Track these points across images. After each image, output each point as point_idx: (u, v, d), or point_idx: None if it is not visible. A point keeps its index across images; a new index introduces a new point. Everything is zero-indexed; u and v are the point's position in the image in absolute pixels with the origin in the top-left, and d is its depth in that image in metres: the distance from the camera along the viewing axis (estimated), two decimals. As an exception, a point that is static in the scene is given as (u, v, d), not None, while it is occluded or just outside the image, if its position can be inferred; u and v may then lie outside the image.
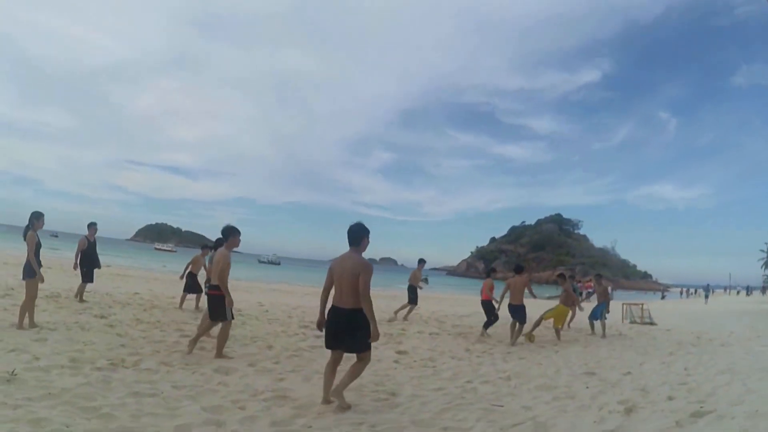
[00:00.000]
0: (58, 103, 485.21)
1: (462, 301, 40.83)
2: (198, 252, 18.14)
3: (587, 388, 9.43)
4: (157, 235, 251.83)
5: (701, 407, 7.45)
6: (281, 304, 22.87)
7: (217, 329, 10.74)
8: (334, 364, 7.76)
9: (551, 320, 17.64)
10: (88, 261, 16.60)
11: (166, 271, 45.48)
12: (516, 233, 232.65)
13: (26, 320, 10.92)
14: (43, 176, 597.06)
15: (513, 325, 15.84)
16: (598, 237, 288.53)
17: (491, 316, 17.34)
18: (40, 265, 11.58)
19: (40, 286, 11.59)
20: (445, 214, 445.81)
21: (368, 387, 8.79)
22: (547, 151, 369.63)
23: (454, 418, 7.25)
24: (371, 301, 7.35)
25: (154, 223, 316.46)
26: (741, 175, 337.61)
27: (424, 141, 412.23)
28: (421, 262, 21.24)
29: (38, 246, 11.44)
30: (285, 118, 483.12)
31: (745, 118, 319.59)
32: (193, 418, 6.27)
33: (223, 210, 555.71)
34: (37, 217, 11.60)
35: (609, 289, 21.13)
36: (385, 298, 28.33)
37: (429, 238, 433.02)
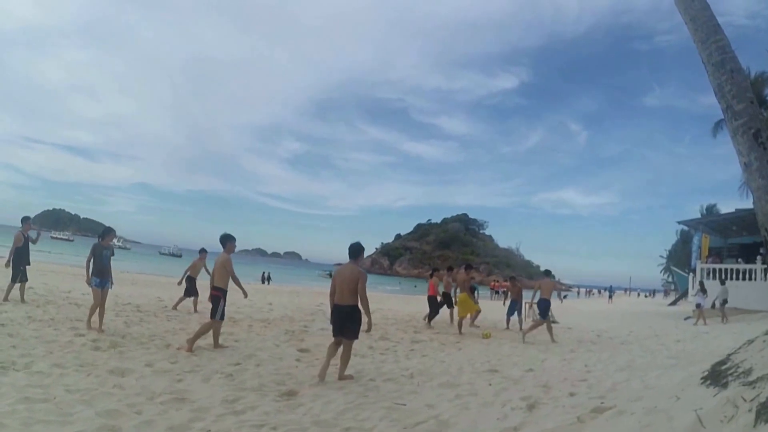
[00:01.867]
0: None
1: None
2: (195, 256, 18.06)
3: (490, 385, 9.54)
4: (54, 222, 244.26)
5: (602, 403, 7.58)
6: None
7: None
8: (335, 347, 10.03)
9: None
10: (21, 258, 15.97)
11: (63, 262, 44.23)
12: (422, 231, 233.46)
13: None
14: None
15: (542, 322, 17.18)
16: (503, 238, 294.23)
17: (434, 309, 20.17)
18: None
19: None
20: (351, 209, 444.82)
21: (269, 387, 8.69)
22: (457, 151, 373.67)
23: (357, 418, 7.24)
24: (368, 300, 9.97)
25: (51, 209, 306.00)
26: (644, 186, 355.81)
27: (335, 133, 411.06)
28: (203, 251, 21.54)
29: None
30: (195, 100, 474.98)
31: (652, 135, 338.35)
32: (88, 424, 6.05)
33: (124, 196, 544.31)
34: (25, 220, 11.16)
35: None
36: (289, 294, 28.11)
37: (334, 233, 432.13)
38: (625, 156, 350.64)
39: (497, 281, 76.53)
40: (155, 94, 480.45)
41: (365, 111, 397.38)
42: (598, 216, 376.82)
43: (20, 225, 16.28)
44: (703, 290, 29.67)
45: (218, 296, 12.00)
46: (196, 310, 18.50)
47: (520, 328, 19.45)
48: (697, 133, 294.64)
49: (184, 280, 19.51)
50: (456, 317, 18.90)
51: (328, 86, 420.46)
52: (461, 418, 7.25)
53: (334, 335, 10.11)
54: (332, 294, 10.30)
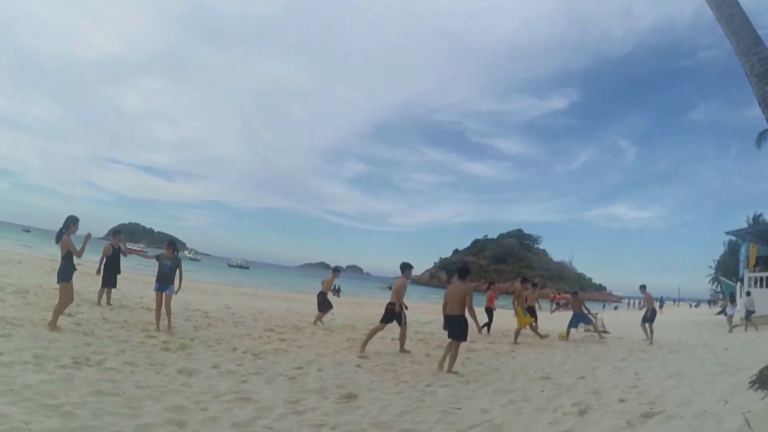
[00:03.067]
0: (43, 94, 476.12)
1: (424, 309, 40.76)
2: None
3: (542, 391, 9.43)
4: (130, 234, 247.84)
5: (651, 408, 7.46)
6: (248, 307, 22.70)
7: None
8: (449, 347, 11.73)
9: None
10: (111, 266, 16.55)
11: (137, 271, 45.00)
12: (478, 246, 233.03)
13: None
14: (19, 168, 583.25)
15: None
16: (556, 252, 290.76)
17: (490, 319, 21.14)
18: (74, 269, 11.54)
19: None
20: (410, 226, 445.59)
21: (330, 390, 8.71)
22: (511, 170, 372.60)
23: (413, 420, 7.22)
24: (474, 310, 12.04)
25: (127, 222, 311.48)
26: (692, 200, 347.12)
27: (395, 155, 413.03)
28: (336, 270, 22.35)
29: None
30: (262, 124, 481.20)
31: (698, 150, 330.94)
32: (155, 418, 6.14)
33: (196, 213, 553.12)
34: (73, 222, 11.58)
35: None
36: (351, 305, 28.22)
37: (394, 249, 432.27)
38: (672, 171, 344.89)
39: (557, 293, 76.01)
40: (227, 120, 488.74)
41: (424, 134, 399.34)
42: (647, 230, 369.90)
43: (109, 238, 16.81)
44: (732, 301, 29.44)
45: (393, 309, 13.98)
46: (317, 322, 19.11)
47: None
48: (742, 146, 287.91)
49: (317, 296, 20.45)
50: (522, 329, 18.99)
51: (390, 112, 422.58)
52: (514, 423, 7.18)
53: (449, 337, 11.83)
54: (444, 306, 12.07)
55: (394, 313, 13.68)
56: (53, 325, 10.86)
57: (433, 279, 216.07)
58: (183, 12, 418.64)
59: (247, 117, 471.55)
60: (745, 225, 57.23)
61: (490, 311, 21.88)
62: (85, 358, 8.76)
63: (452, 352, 11.56)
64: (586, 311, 21.14)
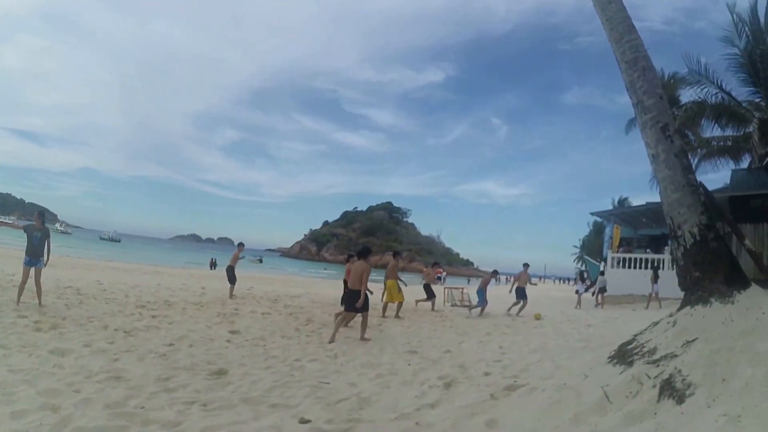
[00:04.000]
0: None
1: (294, 282, 40.80)
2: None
3: (409, 365, 9.64)
4: (1, 207, 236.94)
5: (515, 381, 7.74)
6: (119, 283, 21.99)
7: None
8: (345, 318, 13.32)
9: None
10: None
11: (7, 246, 43.00)
12: (348, 218, 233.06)
13: None
14: None
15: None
16: (425, 226, 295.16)
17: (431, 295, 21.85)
18: None
19: None
20: (283, 196, 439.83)
21: (200, 366, 8.68)
22: (384, 142, 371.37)
23: (283, 395, 7.28)
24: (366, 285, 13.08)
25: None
26: (561, 180, 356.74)
27: (270, 122, 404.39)
28: (240, 245, 23.40)
29: None
30: (141, 88, 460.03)
31: (570, 131, 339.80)
32: (29, 403, 5.95)
33: (69, 182, 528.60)
34: None
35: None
36: (221, 278, 27.92)
37: (266, 219, 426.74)
38: (543, 151, 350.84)
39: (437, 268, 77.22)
40: (109, 83, 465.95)
41: (300, 101, 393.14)
42: (516, 207, 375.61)
43: None
44: (582, 279, 31.07)
45: (356, 296, 13.12)
46: (231, 296, 19.90)
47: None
48: (612, 130, 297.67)
49: (225, 270, 21.35)
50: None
51: (267, 76, 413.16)
52: (382, 396, 7.33)
53: (345, 310, 13.39)
54: (345, 280, 14.58)
55: (357, 300, 13.06)
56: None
57: (303, 251, 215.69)
58: None
59: (128, 80, 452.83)
60: (611, 207, 59.46)
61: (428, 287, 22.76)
62: (-46, 344, 8.37)
63: (363, 321, 13.02)
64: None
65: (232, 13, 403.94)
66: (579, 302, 29.62)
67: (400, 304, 18.69)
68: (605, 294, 28.53)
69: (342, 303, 14.37)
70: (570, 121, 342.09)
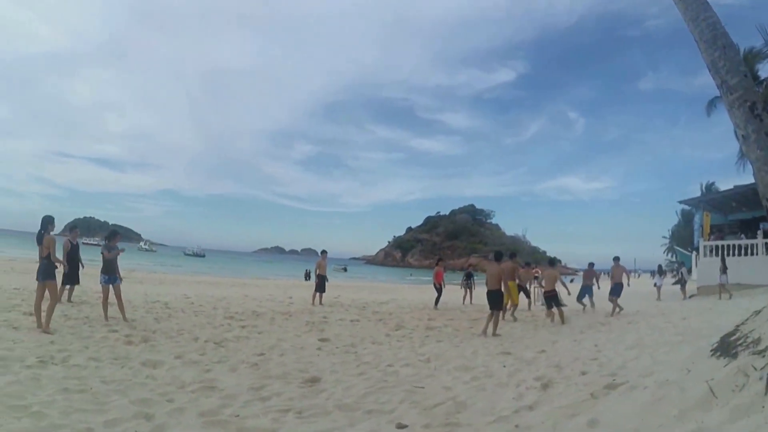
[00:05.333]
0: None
1: (381, 289, 40.92)
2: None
3: (504, 367, 9.47)
4: (85, 229, 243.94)
5: (613, 379, 7.51)
6: (207, 296, 22.51)
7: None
8: (489, 316, 14.28)
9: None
10: (71, 263, 16.04)
11: (93, 265, 44.39)
12: (431, 223, 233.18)
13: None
14: None
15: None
16: (509, 226, 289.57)
17: (439, 294, 22.49)
18: (56, 267, 11.44)
19: None
20: (363, 206, 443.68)
21: (293, 374, 8.67)
22: (461, 145, 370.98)
23: (378, 401, 7.20)
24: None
25: (81, 217, 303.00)
26: (644, 170, 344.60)
27: (345, 134, 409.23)
28: (324, 252, 23.38)
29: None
30: (212, 110, 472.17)
31: (648, 118, 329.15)
32: (123, 412, 6.05)
33: (150, 203, 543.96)
34: (50, 221, 11.49)
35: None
36: (308, 287, 28.17)
37: (348, 229, 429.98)
38: (623, 141, 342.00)
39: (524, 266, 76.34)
40: (175, 107, 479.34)
41: (372, 111, 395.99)
42: (600, 201, 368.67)
43: (66, 234, 16.54)
44: (660, 272, 30.25)
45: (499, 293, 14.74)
46: (314, 302, 20.91)
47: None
48: (692, 114, 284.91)
49: (314, 277, 22.06)
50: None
51: (336, 89, 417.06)
52: (478, 399, 7.19)
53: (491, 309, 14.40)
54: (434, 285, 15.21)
55: (500, 299, 14.88)
56: (46, 326, 10.80)
57: (387, 258, 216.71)
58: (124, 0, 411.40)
59: (195, 102, 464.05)
60: (699, 194, 57.37)
61: (438, 287, 23.02)
62: (50, 356, 8.61)
63: (494, 319, 14.17)
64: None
65: (297, 30, 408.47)
66: (659, 295, 29.24)
67: (515, 306, 18.71)
68: (686, 285, 27.99)
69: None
70: (647, 108, 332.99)
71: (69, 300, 15.86)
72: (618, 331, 14.37)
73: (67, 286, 15.94)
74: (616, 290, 20.88)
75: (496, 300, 14.49)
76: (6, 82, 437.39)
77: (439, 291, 22.80)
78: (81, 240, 18.26)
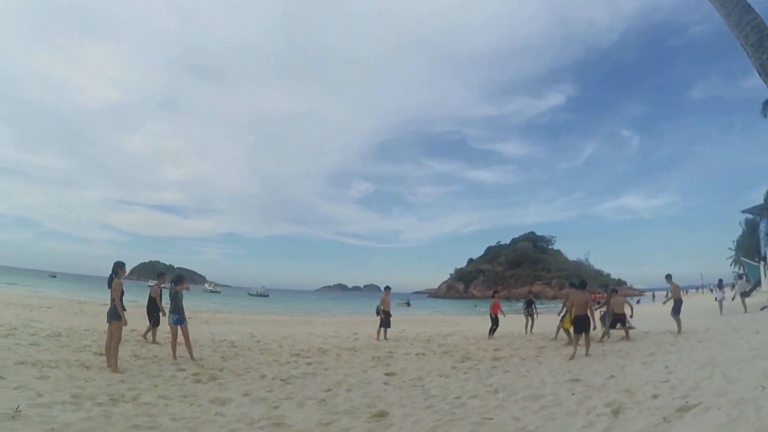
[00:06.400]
0: (54, 145, 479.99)
1: (445, 322, 40.69)
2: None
3: (573, 394, 9.31)
4: (150, 272, 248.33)
5: (686, 402, 7.36)
6: (272, 334, 22.73)
7: None
8: (577, 340, 15.15)
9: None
10: (156, 306, 16.84)
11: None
12: (492, 253, 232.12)
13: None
14: (41, 218, 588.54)
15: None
16: (571, 250, 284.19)
17: (494, 324, 22.98)
18: (124, 309, 11.81)
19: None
20: (423, 240, 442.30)
21: (360, 409, 8.68)
22: (516, 173, 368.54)
23: (447, 434, 7.12)
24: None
25: (147, 261, 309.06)
26: (703, 182, 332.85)
27: (401, 171, 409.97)
28: (387, 288, 23.92)
29: (122, 292, 11.63)
30: (266, 155, 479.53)
31: (702, 128, 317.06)
32: (193, 448, 6.14)
33: (212, 246, 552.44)
34: (121, 266, 11.91)
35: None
36: (373, 323, 28.26)
37: (409, 264, 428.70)
38: (679, 154, 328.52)
39: (599, 292, 75.18)
40: (231, 153, 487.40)
41: (426, 146, 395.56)
42: (661, 218, 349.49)
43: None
44: (720, 286, 29.62)
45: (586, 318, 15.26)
46: (379, 338, 20.94)
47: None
48: (746, 118, 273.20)
49: (381, 312, 21.92)
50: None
51: (387, 129, 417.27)
52: (548, 429, 7.13)
53: (575, 333, 15.21)
54: (569, 310, 16.51)
55: (587, 324, 15.26)
56: (115, 366, 11.14)
57: (450, 290, 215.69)
58: (174, 54, 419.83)
59: (250, 148, 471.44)
60: (762, 201, 55.67)
61: (494, 317, 23.42)
62: (120, 394, 8.84)
63: (586, 341, 14.95)
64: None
65: (341, 75, 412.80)
66: (721, 309, 28.54)
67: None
68: (746, 298, 27.41)
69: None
70: (700, 118, 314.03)
71: (153, 341, 16.45)
72: (688, 350, 14.04)
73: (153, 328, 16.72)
74: (677, 307, 20.44)
75: (584, 324, 15.05)
76: (66, 136, 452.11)
77: (495, 322, 23.27)
78: (147, 283, 18.89)
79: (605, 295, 23.61)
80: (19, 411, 7.06)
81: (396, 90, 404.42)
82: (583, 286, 16.46)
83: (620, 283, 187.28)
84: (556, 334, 19.71)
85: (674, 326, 19.78)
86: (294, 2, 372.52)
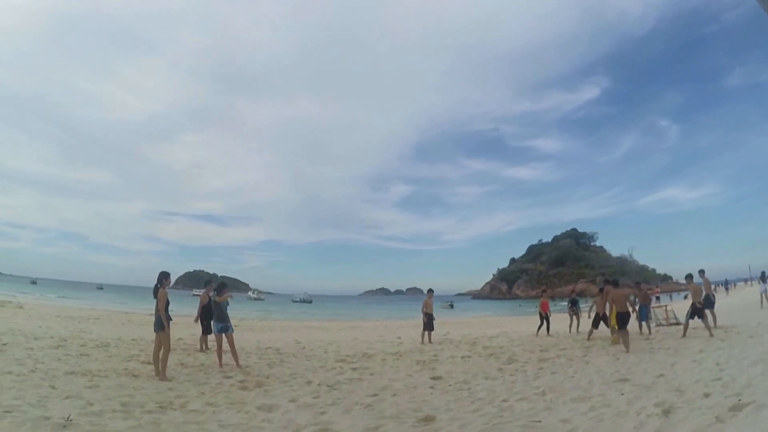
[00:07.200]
0: (96, 161, 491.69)
1: (489, 323, 40.50)
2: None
3: (622, 394, 9.19)
4: (194, 281, 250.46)
5: (739, 400, 7.24)
6: (317, 340, 22.93)
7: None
8: (622, 334, 15.97)
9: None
10: (208, 314, 16.85)
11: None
12: (535, 252, 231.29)
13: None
14: (87, 232, 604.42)
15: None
16: (614, 246, 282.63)
17: (543, 322, 23.68)
18: (169, 319, 11.98)
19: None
20: (464, 241, 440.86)
21: (407, 414, 8.64)
22: (555, 169, 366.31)
23: (495, 437, 7.05)
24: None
25: (191, 270, 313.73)
26: (746, 170, 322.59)
27: (439, 172, 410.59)
28: (430, 291, 23.50)
29: (167, 302, 11.82)
30: (304, 162, 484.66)
31: (742, 115, 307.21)
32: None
33: (254, 254, 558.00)
34: (166, 276, 12.10)
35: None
36: (415, 327, 28.28)
37: (451, 265, 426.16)
38: (720, 143, 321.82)
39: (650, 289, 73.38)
40: (271, 162, 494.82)
41: (463, 146, 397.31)
42: (705, 209, 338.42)
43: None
44: (763, 278, 28.98)
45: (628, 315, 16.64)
46: (423, 341, 21.09)
47: (649, 331, 20.22)
48: None
49: (424, 315, 21.98)
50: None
51: (423, 129, 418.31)
52: (598, 431, 7.03)
53: (619, 329, 16.24)
54: (611, 307, 17.38)
55: (628, 319, 16.49)
56: (162, 375, 11.35)
57: (493, 291, 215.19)
58: (210, 68, 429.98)
59: (289, 156, 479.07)
60: None
61: (542, 315, 24.21)
62: (168, 402, 8.95)
63: (624, 338, 15.70)
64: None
65: (375, 78, 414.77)
66: (762, 303, 28.51)
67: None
68: None
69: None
70: (740, 104, 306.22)
71: (205, 348, 16.75)
72: (740, 346, 13.82)
73: (205, 336, 16.99)
74: (709, 302, 20.26)
75: (627, 320, 16.15)
76: (109, 151, 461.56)
77: (544, 319, 23.82)
78: (192, 292, 19.06)
79: (659, 289, 23.53)
80: (71, 420, 7.17)
81: (430, 91, 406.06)
82: (616, 283, 17.85)
83: (665, 278, 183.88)
84: (589, 335, 19.81)
85: (726, 322, 19.55)
86: (324, 12, 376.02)
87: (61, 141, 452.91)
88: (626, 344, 15.36)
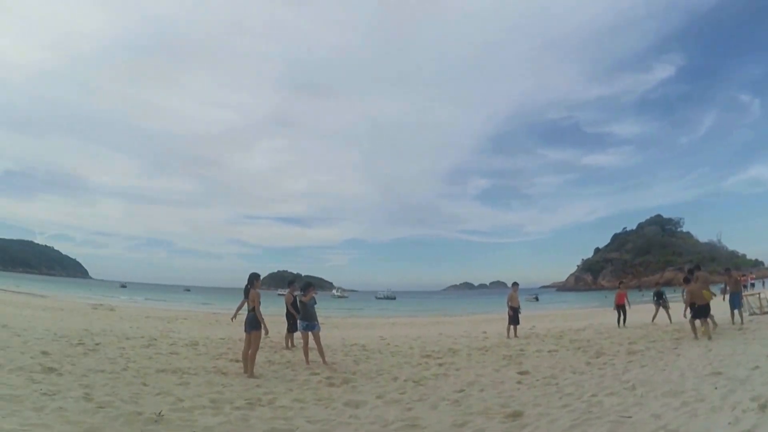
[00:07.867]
0: (178, 170, 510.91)
1: (575, 316, 40.01)
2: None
3: (716, 388, 8.90)
4: (279, 281, 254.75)
5: (843, 392, 7.00)
6: (401, 336, 23.05)
7: None
8: (701, 324, 16.31)
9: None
10: (293, 311, 17.25)
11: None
12: (619, 240, 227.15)
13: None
14: (172, 238, 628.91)
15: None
16: (702, 232, 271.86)
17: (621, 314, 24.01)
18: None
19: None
20: (545, 232, 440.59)
21: (494, 409, 8.57)
22: (634, 154, 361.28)
23: (585, 433, 6.98)
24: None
25: (276, 270, 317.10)
26: None
27: (516, 163, 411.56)
28: (515, 284, 23.72)
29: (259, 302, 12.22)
30: (382, 160, 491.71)
31: None
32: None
33: (337, 253, 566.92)
34: (256, 277, 12.47)
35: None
36: (499, 321, 28.12)
37: (534, 257, 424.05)
38: None
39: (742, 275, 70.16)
40: (348, 162, 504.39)
41: (539, 136, 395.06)
42: None
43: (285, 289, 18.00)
44: None
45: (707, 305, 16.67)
46: (509, 335, 21.27)
47: (741, 320, 19.23)
48: None
49: (509, 309, 22.06)
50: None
51: (498, 122, 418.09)
52: (691, 427, 6.83)
53: (693, 317, 16.71)
54: (690, 299, 17.22)
55: (708, 310, 16.58)
56: (251, 372, 11.63)
57: (578, 282, 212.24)
58: (281, 74, 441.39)
59: (365, 155, 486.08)
60: None
61: (619, 308, 24.33)
62: (257, 399, 9.16)
63: (704, 326, 16.11)
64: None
65: (444, 72, 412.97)
66: None
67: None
68: None
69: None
70: None
71: (291, 346, 17.08)
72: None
73: (290, 334, 17.45)
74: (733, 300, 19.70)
75: (706, 310, 16.37)
76: (188, 159, 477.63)
77: (621, 312, 24.06)
78: (277, 292, 19.46)
79: (753, 275, 22.85)
80: (162, 415, 7.42)
81: (502, 82, 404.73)
82: (692, 273, 18.33)
83: (757, 264, 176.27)
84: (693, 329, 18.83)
85: None
86: (389, 9, 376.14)
87: (142, 154, 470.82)
88: (707, 333, 15.87)
